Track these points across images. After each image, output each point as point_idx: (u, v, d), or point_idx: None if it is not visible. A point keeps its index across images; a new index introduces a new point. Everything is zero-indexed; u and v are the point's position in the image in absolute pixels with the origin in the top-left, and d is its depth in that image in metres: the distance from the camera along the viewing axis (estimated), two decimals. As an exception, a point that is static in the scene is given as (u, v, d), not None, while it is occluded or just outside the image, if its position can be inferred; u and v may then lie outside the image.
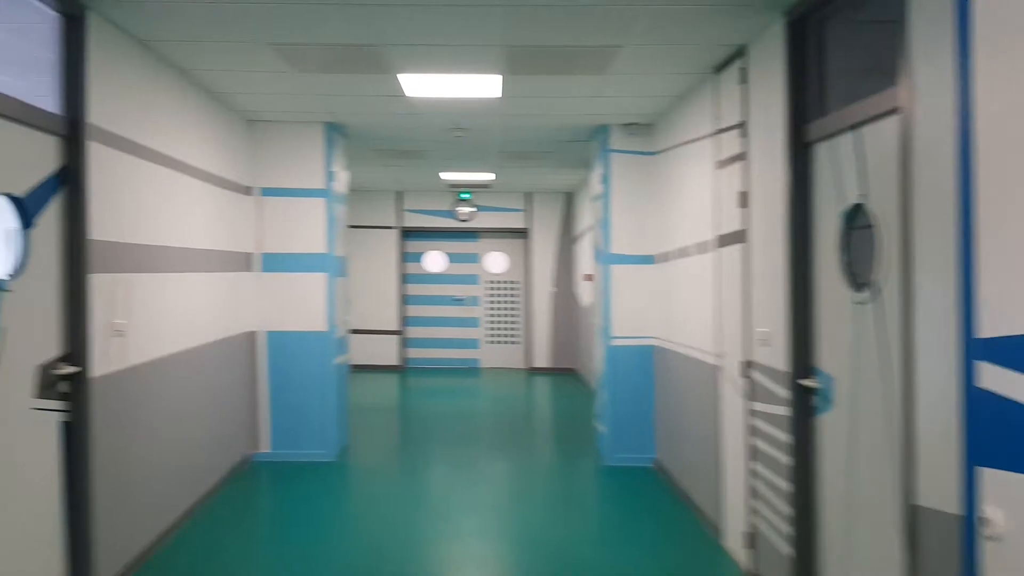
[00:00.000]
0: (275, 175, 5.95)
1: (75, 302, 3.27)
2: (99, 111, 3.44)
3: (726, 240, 4.29)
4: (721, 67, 4.38)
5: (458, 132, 6.43)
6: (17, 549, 2.89)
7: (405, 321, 11.72)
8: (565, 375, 11.37)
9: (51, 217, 3.15)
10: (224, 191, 5.30)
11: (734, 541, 4.14)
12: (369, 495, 5.27)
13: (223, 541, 4.31)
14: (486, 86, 4.89)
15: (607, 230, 6.07)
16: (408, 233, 11.74)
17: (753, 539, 3.86)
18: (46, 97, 3.13)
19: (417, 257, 11.84)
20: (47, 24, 3.16)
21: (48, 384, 3.12)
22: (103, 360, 3.48)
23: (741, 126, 4.04)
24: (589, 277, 9.64)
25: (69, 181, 3.26)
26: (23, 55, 3.03)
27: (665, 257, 5.68)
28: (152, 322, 4.05)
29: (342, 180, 6.43)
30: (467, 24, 3.72)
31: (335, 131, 6.10)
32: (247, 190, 5.87)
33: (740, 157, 4.05)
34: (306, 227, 5.95)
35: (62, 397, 3.22)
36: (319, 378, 5.99)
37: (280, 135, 5.94)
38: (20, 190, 2.94)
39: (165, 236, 4.24)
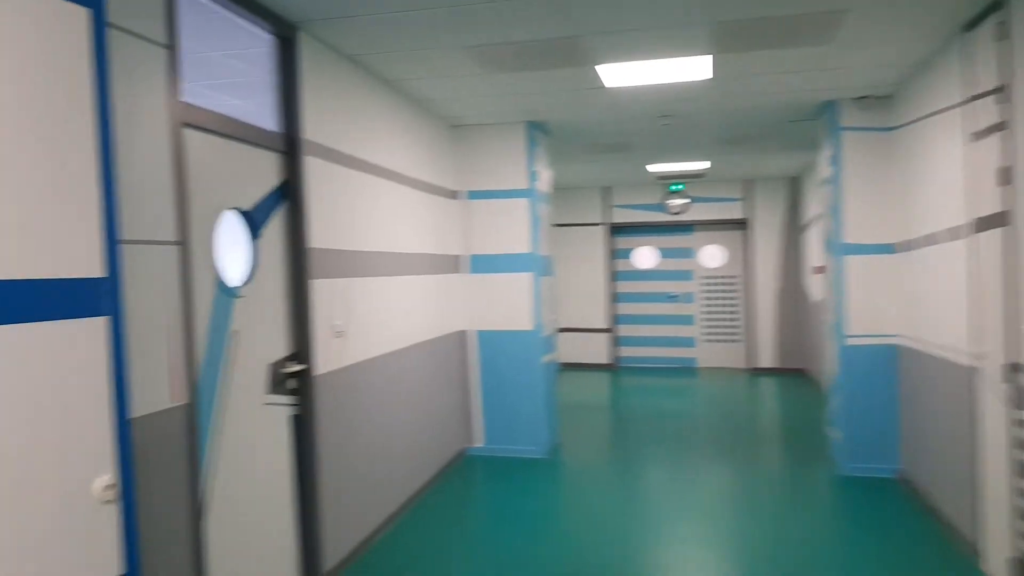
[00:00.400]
0: (480, 178, 6.08)
1: (299, 305, 3.51)
2: (313, 126, 3.67)
3: (984, 224, 3.63)
4: (972, 24, 3.72)
5: (665, 120, 6.15)
6: (260, 532, 3.15)
7: (615, 319, 11.56)
8: (792, 376, 10.55)
9: (274, 228, 3.40)
10: (432, 196, 5.49)
11: (997, 567, 3.51)
12: (580, 493, 5.18)
13: (439, 532, 4.44)
14: (694, 68, 4.58)
15: (839, 217, 5.47)
16: (616, 229, 11.56)
17: (1022, 566, 3.23)
18: (264, 116, 3.38)
19: (626, 254, 11.62)
20: (263, 47, 3.41)
21: (278, 381, 3.37)
22: (325, 359, 3.71)
23: (1000, 91, 3.39)
24: (820, 270, 8.84)
25: (289, 194, 3.51)
26: (242, 78, 3.29)
27: (908, 245, 4.99)
28: (369, 323, 4.27)
29: (545, 179, 6.42)
30: (671, 3, 3.48)
31: (536, 130, 6.11)
32: (453, 194, 6.05)
33: (999, 127, 3.41)
34: (511, 228, 6.01)
35: (291, 393, 3.46)
36: (528, 376, 6.03)
37: (483, 138, 6.06)
38: (248, 204, 3.20)
39: (378, 242, 4.45)
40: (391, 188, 4.69)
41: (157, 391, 2.47)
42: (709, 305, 11.38)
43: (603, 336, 11.48)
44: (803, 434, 6.85)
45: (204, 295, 2.84)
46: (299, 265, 3.50)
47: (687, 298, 11.45)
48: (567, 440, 6.67)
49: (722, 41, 4.08)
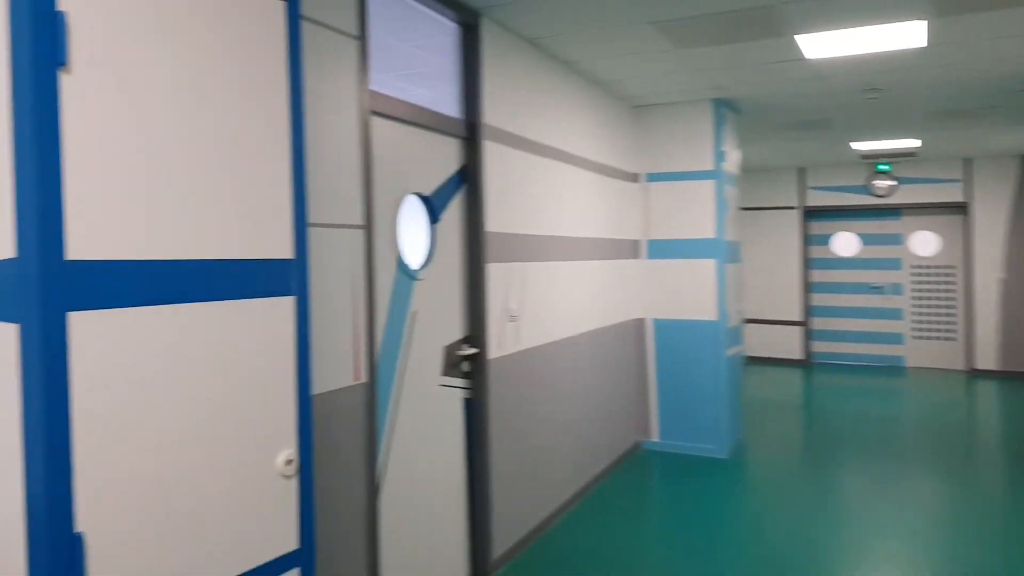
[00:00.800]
0: (661, 159, 5.85)
1: (475, 289, 3.56)
2: (492, 111, 3.68)
3: None
4: None
5: (872, 94, 5.57)
6: (432, 514, 3.24)
7: (809, 311, 10.78)
8: (1018, 380, 9.29)
9: (453, 212, 3.46)
10: (610, 179, 5.37)
11: None
12: (765, 500, 4.86)
13: (611, 527, 4.36)
14: (906, 35, 4.08)
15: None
16: (812, 213, 10.74)
17: None
18: (446, 102, 3.44)
19: (823, 240, 10.77)
20: (447, 36, 3.46)
21: (453, 363, 3.43)
22: (498, 343, 3.74)
23: None
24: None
25: (468, 179, 3.55)
26: (427, 67, 3.36)
27: None
28: (542, 309, 4.25)
29: (733, 160, 6.06)
30: (876, -42, 3.10)
31: (724, 107, 5.76)
32: (633, 177, 5.87)
33: None
34: (694, 211, 5.74)
35: (464, 376, 3.52)
36: (709, 369, 5.75)
37: (665, 118, 5.82)
38: (429, 190, 3.27)
39: (554, 226, 4.41)
40: (568, 171, 4.63)
41: (340, 369, 2.59)
42: (920, 298, 10.28)
43: (795, 329, 10.75)
44: (1033, 448, 5.98)
45: (386, 277, 2.94)
46: (476, 249, 3.54)
47: (894, 289, 10.42)
48: (752, 440, 6.31)
49: (940, 3, 3.58)
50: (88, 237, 1.37)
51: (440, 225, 3.35)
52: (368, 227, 2.73)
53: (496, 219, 3.72)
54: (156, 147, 1.51)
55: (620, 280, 5.53)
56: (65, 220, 1.33)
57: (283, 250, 1.82)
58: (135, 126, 1.46)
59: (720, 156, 5.68)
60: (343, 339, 2.60)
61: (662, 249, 5.88)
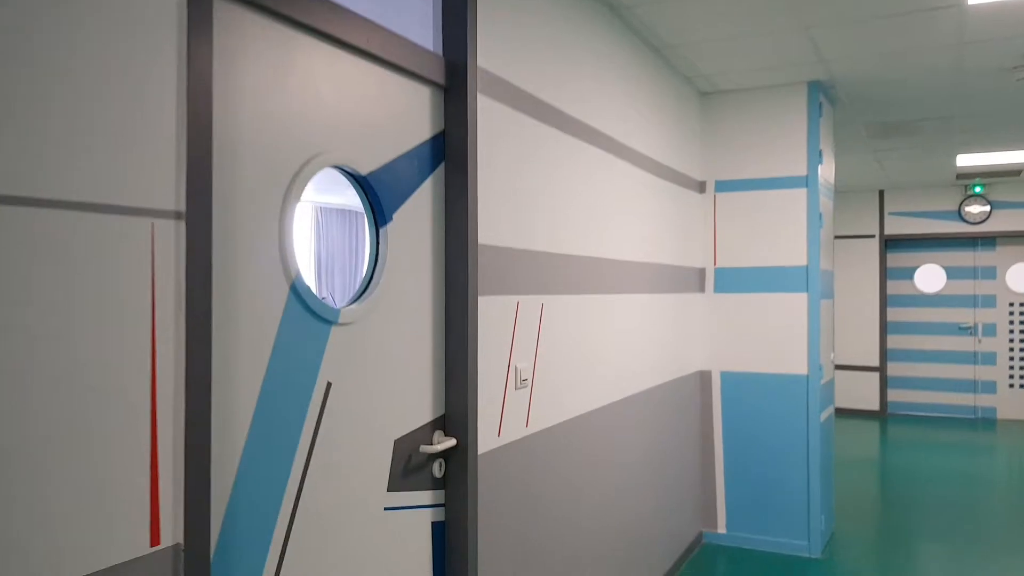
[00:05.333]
0: (736, 163, 4.40)
1: (456, 338, 2.14)
2: (494, 49, 2.29)
3: None
4: None
5: (1022, 73, 4.10)
6: None
7: (886, 355, 9.15)
8: None
9: (419, 209, 2.07)
10: (666, 183, 3.93)
11: None
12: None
13: None
14: None
15: None
16: (892, 243, 9.17)
17: None
18: (411, 23, 2.06)
19: (906, 273, 9.18)
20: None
21: (413, 468, 2.02)
22: (497, 425, 2.31)
23: None
24: None
25: (449, 155, 2.15)
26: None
27: None
28: (570, 365, 2.82)
29: (830, 165, 4.60)
30: None
31: (821, 93, 4.30)
32: (699, 186, 4.44)
33: None
34: (779, 231, 4.28)
35: (435, 485, 2.10)
36: (796, 439, 4.24)
37: (743, 105, 4.37)
38: (370, 165, 1.89)
39: (589, 244, 2.99)
40: (612, 164, 3.21)
41: (102, 531, 1.19)
42: (1019, 340, 8.63)
43: (872, 376, 9.12)
44: None
45: (258, 320, 1.54)
46: (459, 272, 2.14)
47: (987, 330, 8.78)
48: (845, 528, 4.74)
49: None
50: None
51: (393, 229, 1.96)
52: (198, 216, 1.35)
53: (496, 225, 2.31)
54: None
55: (678, 321, 4.08)
56: None
57: None
58: None
59: (817, 158, 4.23)
60: (117, 456, 1.21)
61: (735, 280, 4.41)
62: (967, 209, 8.61)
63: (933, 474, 6.22)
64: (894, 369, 9.15)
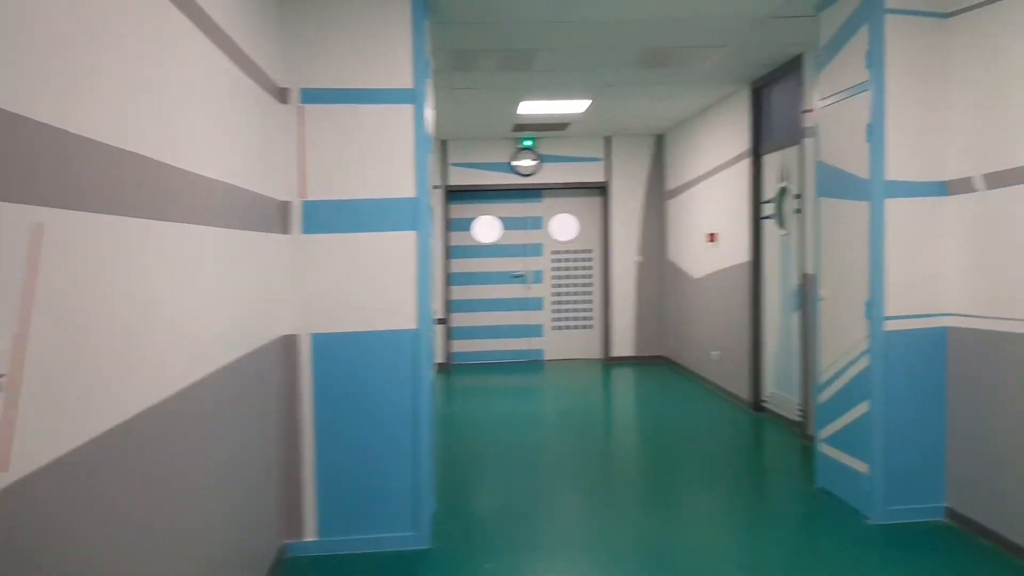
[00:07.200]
0: (328, 66, 3.45)
1: None
2: None
3: None
4: None
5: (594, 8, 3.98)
6: None
7: (449, 306, 9.29)
8: (654, 365, 9.05)
9: None
10: (246, 79, 2.81)
11: None
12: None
13: None
14: None
15: (880, 142, 3.66)
16: (454, 194, 9.25)
17: None
18: None
19: (465, 224, 9.37)
20: None
21: None
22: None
23: None
24: (713, 237, 7.25)
25: None
26: None
27: (1010, 179, 3.27)
28: (87, 334, 1.62)
29: (430, 88, 3.95)
30: None
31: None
32: (281, 94, 3.39)
33: None
34: (381, 154, 3.49)
35: None
36: (403, 412, 3.56)
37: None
38: None
39: (132, 130, 1.78)
40: (172, 18, 2.00)
41: None
42: (560, 286, 9.52)
43: (436, 328, 9.14)
44: (743, 449, 5.11)
45: None
46: None
47: (535, 278, 9.49)
48: (444, 501, 4.29)
49: None
50: None
51: None
52: None
53: None
54: None
55: (257, 269, 3.02)
56: None
57: None
58: None
59: (424, 68, 3.51)
60: None
61: (329, 217, 3.49)
62: (518, 163, 9.07)
63: (504, 421, 6.23)
64: (457, 320, 9.33)
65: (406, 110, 3.46)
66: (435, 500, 3.99)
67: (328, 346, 3.51)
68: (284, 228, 3.42)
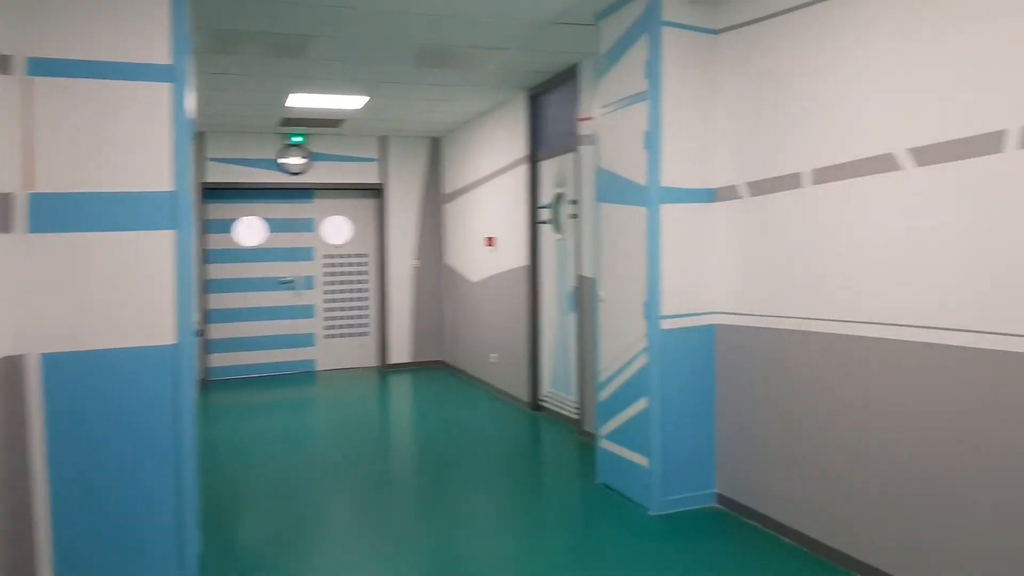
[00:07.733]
0: (66, 33, 2.85)
1: None
2: None
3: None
4: None
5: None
6: None
7: (207, 316, 8.48)
8: (432, 370, 8.97)
9: None
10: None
11: None
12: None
13: None
14: None
15: (656, 150, 3.82)
16: (211, 192, 8.44)
17: None
18: None
19: (225, 226, 8.59)
20: None
21: None
22: None
23: None
24: (491, 241, 7.32)
25: None
26: None
27: (768, 187, 3.57)
28: None
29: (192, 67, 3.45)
30: None
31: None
32: (3, 61, 2.75)
33: None
34: (133, 139, 2.96)
35: None
36: (161, 439, 3.06)
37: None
38: None
39: None
40: None
41: None
42: (333, 292, 9.09)
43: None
44: (528, 453, 5.17)
45: None
46: None
47: (306, 284, 8.96)
48: (206, 533, 3.81)
49: None
50: None
51: None
52: None
53: None
54: None
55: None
56: None
57: None
58: None
59: (185, 43, 3.03)
60: None
61: (66, 213, 2.87)
62: (286, 160, 8.51)
63: (272, 441, 5.75)
64: (216, 331, 8.53)
65: (163, 89, 2.97)
66: (200, 540, 3.49)
67: (65, 368, 2.91)
68: (5, 226, 2.77)
